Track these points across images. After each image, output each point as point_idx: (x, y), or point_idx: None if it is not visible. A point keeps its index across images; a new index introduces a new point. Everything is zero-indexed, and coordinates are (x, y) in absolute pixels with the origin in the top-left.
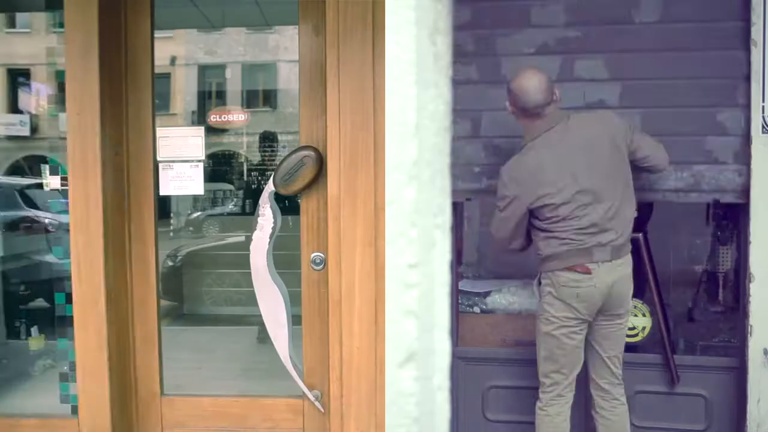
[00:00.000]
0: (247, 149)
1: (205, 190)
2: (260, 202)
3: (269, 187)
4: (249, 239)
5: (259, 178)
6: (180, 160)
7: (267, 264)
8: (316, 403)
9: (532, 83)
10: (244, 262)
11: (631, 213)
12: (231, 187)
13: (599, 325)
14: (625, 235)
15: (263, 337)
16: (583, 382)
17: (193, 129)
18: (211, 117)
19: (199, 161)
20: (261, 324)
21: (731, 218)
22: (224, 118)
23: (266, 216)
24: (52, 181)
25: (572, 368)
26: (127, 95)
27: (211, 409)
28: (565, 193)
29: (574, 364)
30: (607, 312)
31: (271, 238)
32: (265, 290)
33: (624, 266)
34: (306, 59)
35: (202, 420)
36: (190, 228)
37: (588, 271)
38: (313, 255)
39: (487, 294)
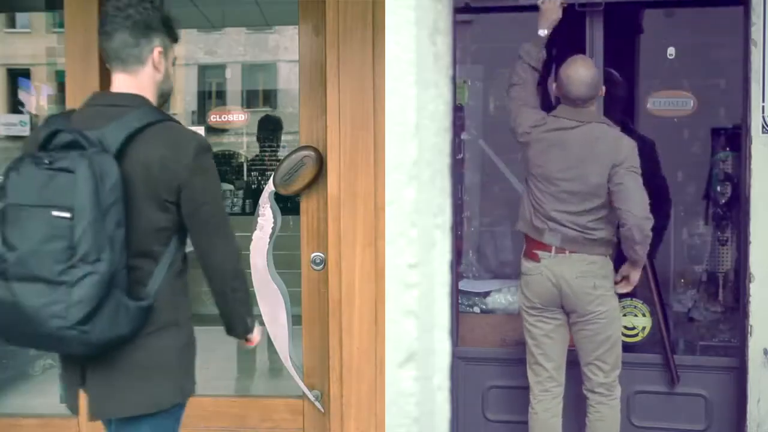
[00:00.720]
0: (247, 149)
1: None
2: (260, 202)
3: (269, 187)
4: (249, 239)
5: (259, 178)
6: None
7: (267, 264)
8: (316, 403)
9: (581, 76)
10: (244, 262)
11: (598, 226)
12: (231, 187)
13: (573, 329)
14: (582, 235)
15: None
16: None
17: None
18: (211, 117)
19: None
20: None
21: (731, 218)
22: (224, 118)
23: (266, 216)
24: None
25: (547, 360)
26: None
27: (211, 408)
28: (540, 171)
29: (548, 356)
30: (573, 313)
31: (271, 238)
32: (265, 290)
33: (582, 264)
34: (306, 59)
35: (203, 420)
36: None
37: (536, 259)
38: (313, 255)
39: (487, 294)
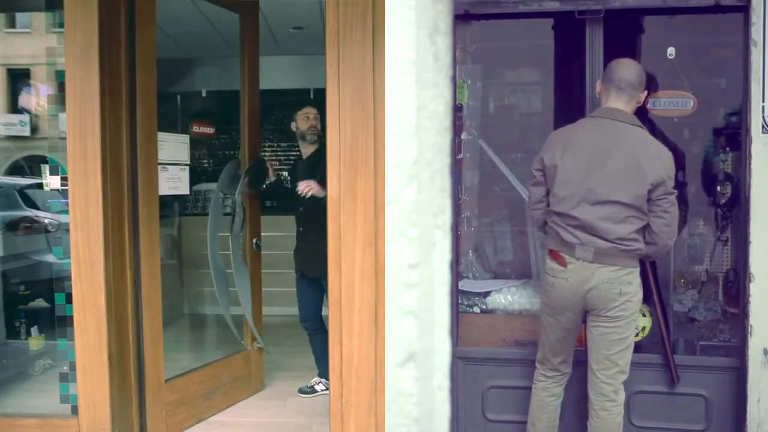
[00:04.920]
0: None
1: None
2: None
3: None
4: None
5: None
6: (172, 163)
7: (233, 250)
8: (262, 345)
9: (627, 63)
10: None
11: (637, 237)
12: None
13: (588, 324)
14: (612, 246)
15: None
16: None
17: (182, 136)
18: (193, 127)
19: (186, 165)
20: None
21: (731, 218)
22: (202, 129)
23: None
24: (52, 181)
25: (554, 354)
26: (132, 98)
27: (199, 380)
28: (568, 175)
29: (555, 351)
30: (594, 313)
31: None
32: (238, 270)
33: (609, 271)
34: None
35: (194, 394)
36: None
37: (563, 264)
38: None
39: (487, 294)
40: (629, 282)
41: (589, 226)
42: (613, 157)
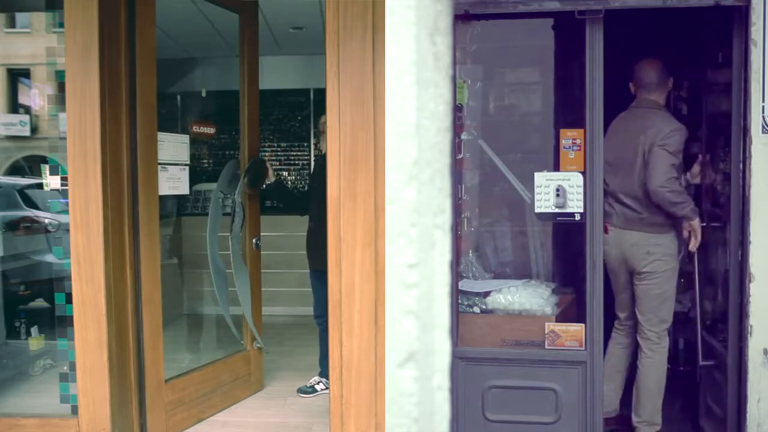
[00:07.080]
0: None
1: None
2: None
3: (238, 189)
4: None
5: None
6: (172, 163)
7: (232, 251)
8: (262, 345)
9: (650, 66)
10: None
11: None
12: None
13: (634, 284)
14: (635, 214)
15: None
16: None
17: (181, 136)
18: (193, 127)
19: (186, 165)
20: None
21: (731, 218)
22: (202, 129)
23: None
24: (52, 181)
25: (621, 311)
26: (132, 98)
27: (199, 380)
28: (607, 155)
29: (620, 307)
30: (634, 272)
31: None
32: (238, 270)
33: (635, 236)
34: None
35: (194, 394)
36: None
37: (606, 231)
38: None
39: (487, 294)
40: (657, 243)
41: (616, 197)
42: (632, 133)
